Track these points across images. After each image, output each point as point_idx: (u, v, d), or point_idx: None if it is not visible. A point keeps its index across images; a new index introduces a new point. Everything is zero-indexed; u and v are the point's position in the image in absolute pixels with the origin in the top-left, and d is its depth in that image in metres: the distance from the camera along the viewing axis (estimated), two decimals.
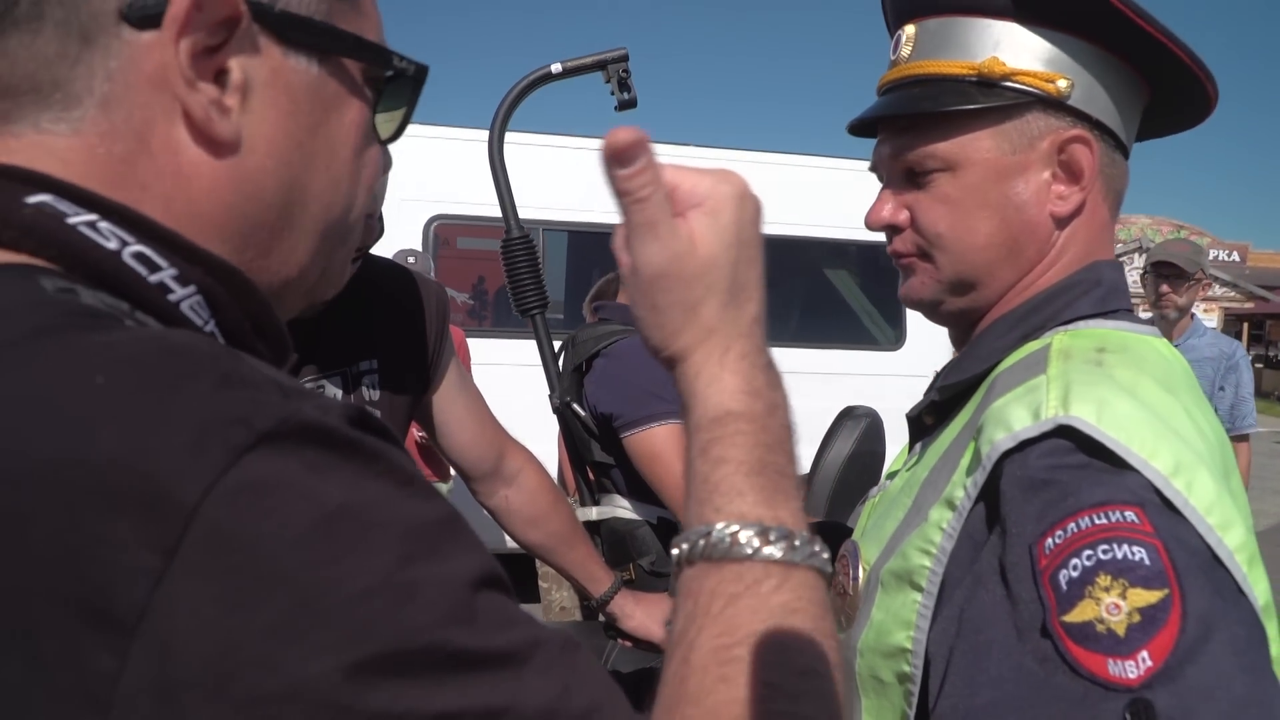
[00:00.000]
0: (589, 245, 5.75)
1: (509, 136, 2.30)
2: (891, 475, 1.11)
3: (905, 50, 0.98)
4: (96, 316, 0.48)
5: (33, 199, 0.51)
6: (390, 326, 1.55)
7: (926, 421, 1.02)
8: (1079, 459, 0.77)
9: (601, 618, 1.95)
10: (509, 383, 4.15)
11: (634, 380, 2.18)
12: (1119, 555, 0.71)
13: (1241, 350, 4.13)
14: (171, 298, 0.52)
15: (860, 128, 1.03)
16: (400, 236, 5.10)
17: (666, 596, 2.07)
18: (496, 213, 2.27)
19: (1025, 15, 0.93)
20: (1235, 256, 33.18)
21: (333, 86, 0.60)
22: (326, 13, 0.59)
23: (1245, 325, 32.99)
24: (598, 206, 5.39)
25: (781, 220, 5.47)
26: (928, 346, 5.72)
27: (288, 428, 0.43)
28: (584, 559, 1.84)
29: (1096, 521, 0.73)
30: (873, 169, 1.04)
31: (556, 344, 2.37)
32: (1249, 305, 30.60)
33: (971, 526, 0.82)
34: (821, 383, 5.38)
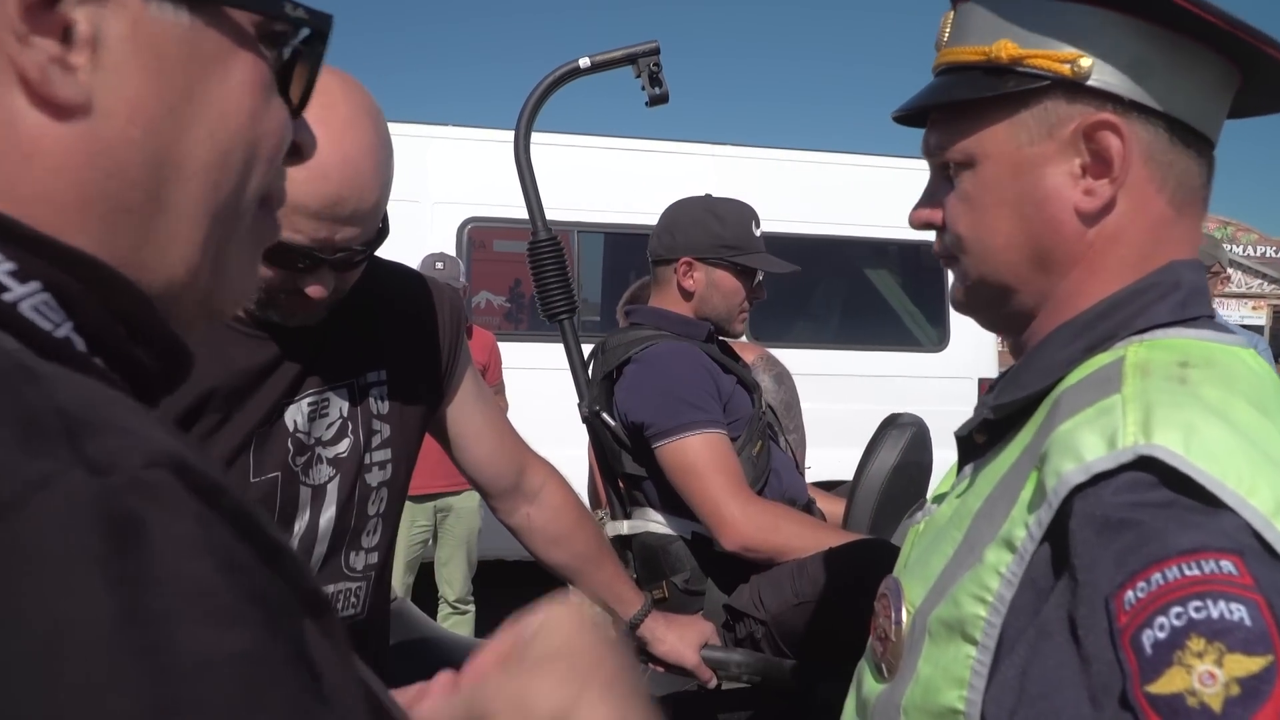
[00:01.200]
0: (626, 247, 5.67)
1: (542, 137, 2.22)
2: (938, 498, 1.00)
3: (944, 36, 0.93)
4: None
5: None
6: (400, 336, 1.47)
7: (977, 440, 0.91)
8: (1163, 495, 0.66)
9: (631, 641, 1.86)
10: (544, 387, 4.07)
11: (667, 387, 2.08)
12: (1214, 614, 0.61)
13: (1264, 344, 3.99)
14: (7, 297, 0.42)
15: (909, 118, 0.97)
16: (434, 239, 5.05)
17: (700, 618, 1.99)
18: None
19: None
20: None
21: (212, 40, 0.50)
22: None
23: None
24: (635, 207, 5.31)
25: (820, 219, 5.38)
26: (972, 348, 5.60)
27: (38, 501, 0.33)
28: (611, 579, 1.75)
29: (1187, 572, 0.63)
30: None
31: (586, 349, 2.29)
32: None
33: (1035, 571, 0.72)
34: (863, 385, 5.29)
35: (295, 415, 1.34)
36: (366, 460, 1.42)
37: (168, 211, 0.50)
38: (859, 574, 1.87)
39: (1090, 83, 0.82)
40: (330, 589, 1.39)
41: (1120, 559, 0.65)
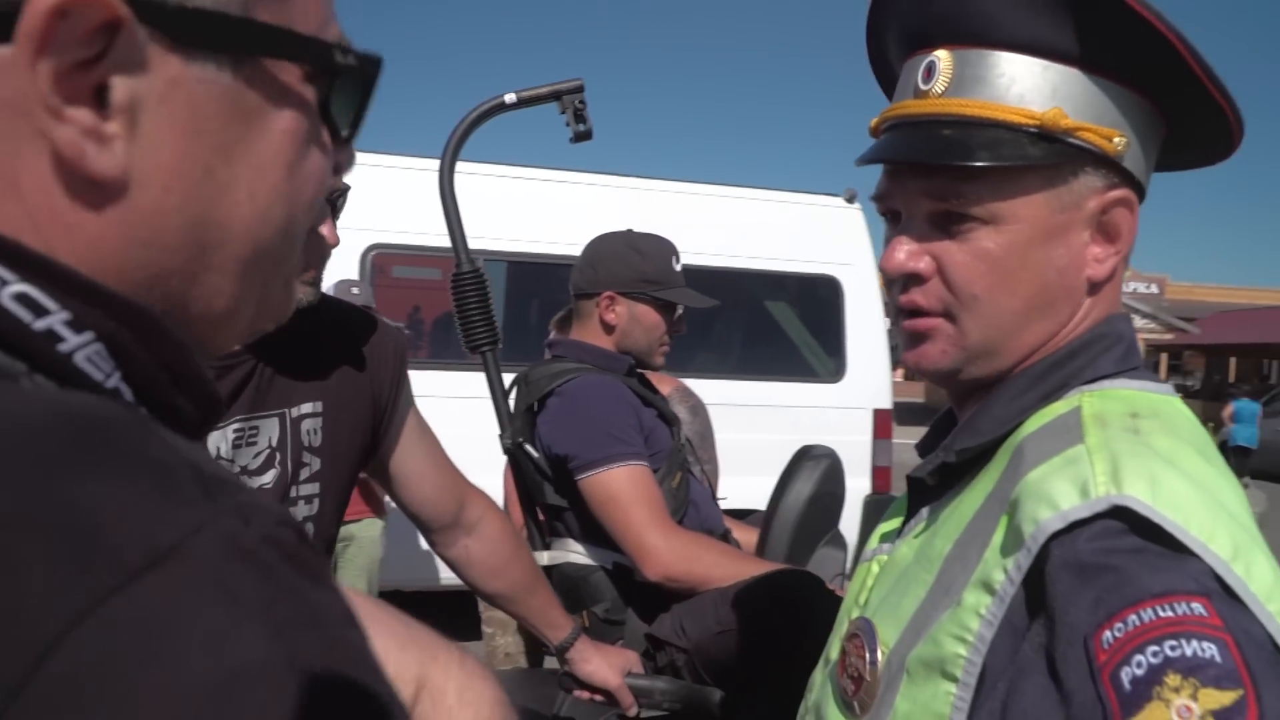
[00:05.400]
0: (528, 276, 5.67)
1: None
2: (886, 536, 1.04)
3: (940, 83, 0.89)
4: None
5: None
6: (341, 370, 1.47)
7: (929, 484, 0.95)
8: (1133, 542, 0.71)
9: (559, 665, 1.87)
10: (444, 416, 4.03)
11: (590, 420, 2.11)
12: (1188, 652, 0.65)
13: None
14: (62, 347, 0.41)
15: (876, 158, 0.94)
16: (339, 265, 4.97)
17: (623, 648, 2.02)
18: (434, 242, 2.21)
19: (1093, 63, 0.86)
20: (1154, 289, 34.11)
21: (254, 95, 0.48)
22: (244, 2, 0.46)
23: (1164, 356, 33.90)
24: (537, 237, 5.32)
25: (722, 252, 5.47)
26: (867, 379, 5.74)
27: (199, 545, 0.34)
28: (545, 605, 1.78)
29: (1161, 614, 0.67)
30: (878, 199, 0.95)
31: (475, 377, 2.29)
32: (1168, 336, 31.42)
33: (1013, 613, 0.76)
34: (762, 415, 5.36)
35: (219, 441, 1.32)
36: (292, 493, 1.41)
37: (210, 270, 0.49)
38: (781, 602, 1.93)
39: (1124, 162, 0.87)
40: None
41: (1098, 601, 0.69)
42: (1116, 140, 0.86)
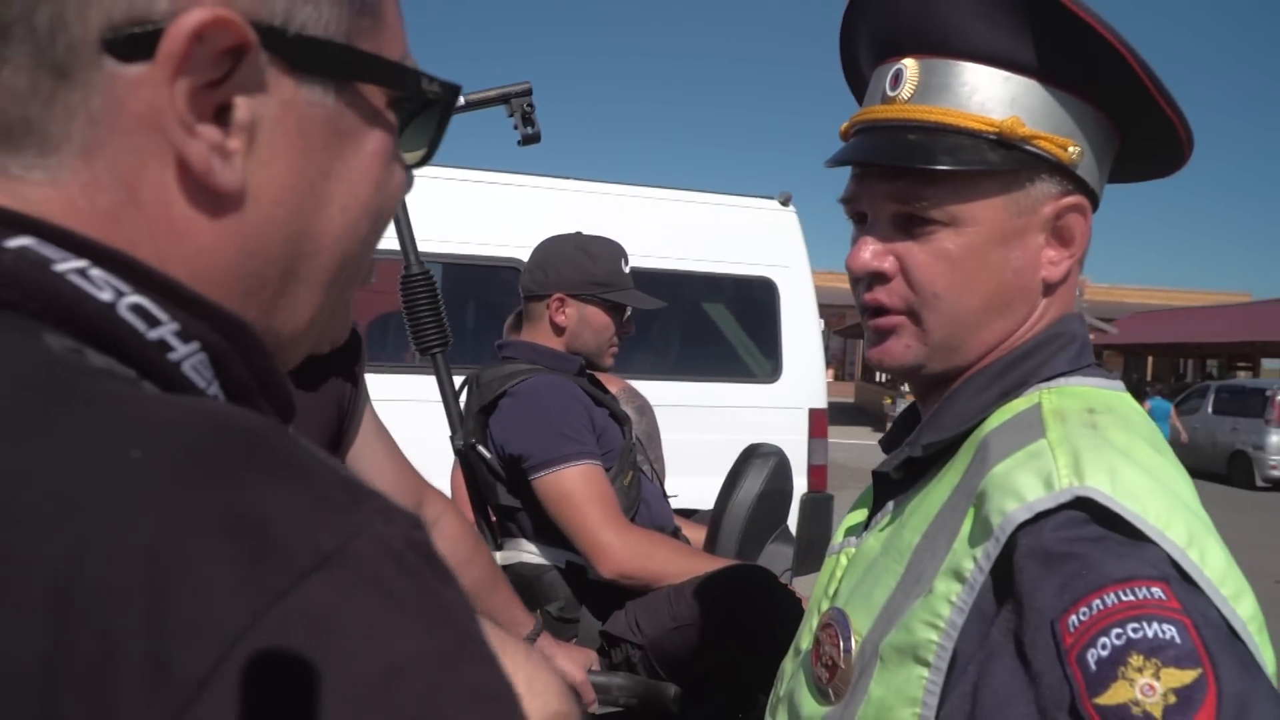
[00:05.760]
0: (464, 278, 5.64)
1: None
2: (852, 530, 1.08)
3: (906, 90, 0.93)
4: (112, 378, 0.41)
5: (12, 243, 0.43)
6: (301, 369, 1.46)
7: (894, 478, 0.99)
8: (1095, 531, 0.76)
9: None
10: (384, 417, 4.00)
11: (544, 421, 2.13)
12: (1150, 634, 0.69)
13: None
14: (172, 356, 0.44)
15: (844, 160, 0.98)
16: None
17: (580, 646, 2.03)
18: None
19: (1046, 74, 0.90)
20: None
21: (350, 117, 0.51)
22: (347, 31, 0.50)
23: None
24: (473, 238, 5.29)
25: (659, 254, 5.50)
26: (802, 380, 5.80)
27: (358, 548, 0.36)
28: (506, 603, 1.79)
29: (1124, 598, 0.71)
30: (846, 201, 0.99)
31: (426, 379, 2.29)
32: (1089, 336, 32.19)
33: (982, 599, 0.80)
34: (700, 416, 5.40)
35: None
36: None
37: (299, 282, 0.52)
38: (738, 596, 1.96)
39: (1078, 171, 0.92)
40: None
41: (1063, 587, 0.73)
42: (1071, 150, 0.91)
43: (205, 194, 0.47)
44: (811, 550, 2.12)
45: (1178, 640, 0.69)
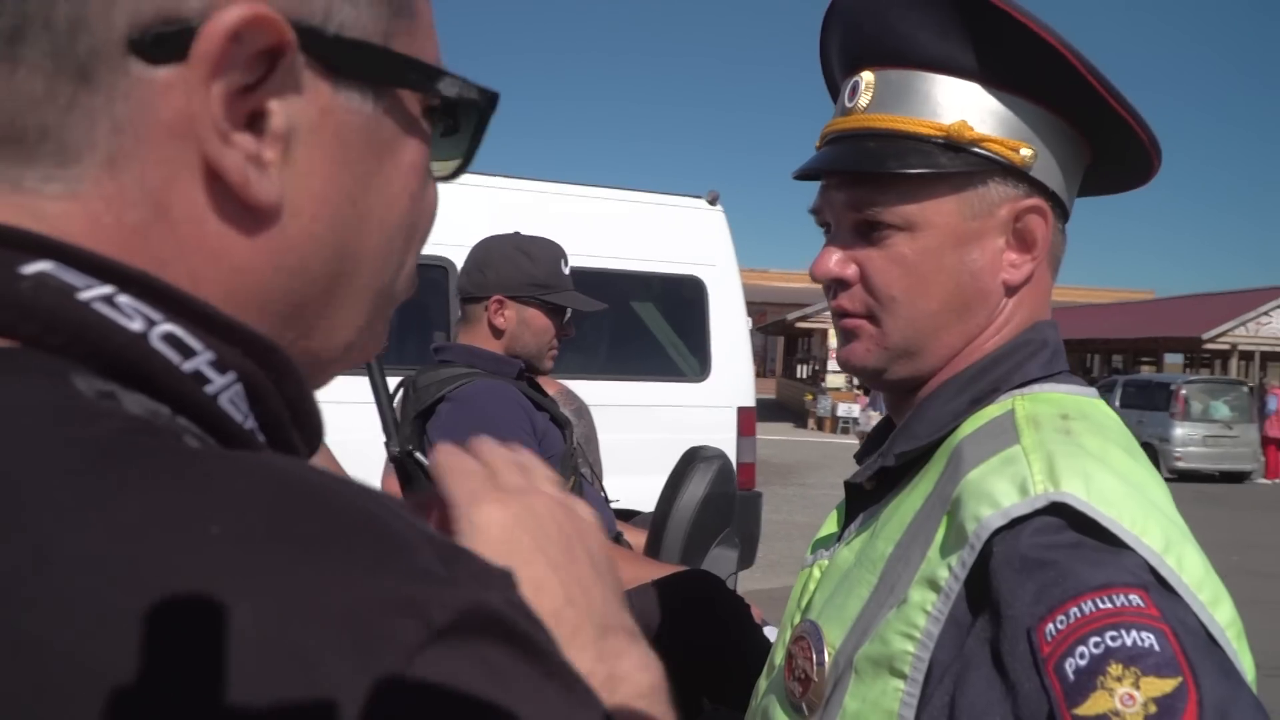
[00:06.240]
0: None
1: None
2: (824, 542, 1.06)
3: (864, 99, 0.95)
4: (156, 434, 0.37)
5: (30, 268, 0.38)
6: None
7: (867, 488, 0.98)
8: (1071, 537, 0.75)
9: None
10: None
11: (484, 426, 2.06)
12: (1128, 642, 0.68)
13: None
14: (209, 389, 0.41)
15: (805, 171, 0.99)
16: None
17: None
18: None
19: (990, 78, 0.91)
20: None
21: (389, 125, 0.48)
22: (384, 32, 0.46)
23: None
24: None
25: (588, 252, 5.47)
26: (731, 378, 5.83)
27: (466, 621, 0.34)
28: None
29: (1101, 606, 0.70)
30: (814, 212, 1.00)
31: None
32: None
33: (958, 608, 0.78)
34: (630, 415, 5.39)
35: None
36: None
37: (339, 302, 0.49)
38: (694, 603, 1.94)
39: (1031, 172, 0.92)
40: None
41: (1039, 594, 0.72)
42: (1024, 152, 0.91)
43: (241, 209, 0.43)
44: (744, 547, 2.11)
45: (1157, 648, 0.68)
